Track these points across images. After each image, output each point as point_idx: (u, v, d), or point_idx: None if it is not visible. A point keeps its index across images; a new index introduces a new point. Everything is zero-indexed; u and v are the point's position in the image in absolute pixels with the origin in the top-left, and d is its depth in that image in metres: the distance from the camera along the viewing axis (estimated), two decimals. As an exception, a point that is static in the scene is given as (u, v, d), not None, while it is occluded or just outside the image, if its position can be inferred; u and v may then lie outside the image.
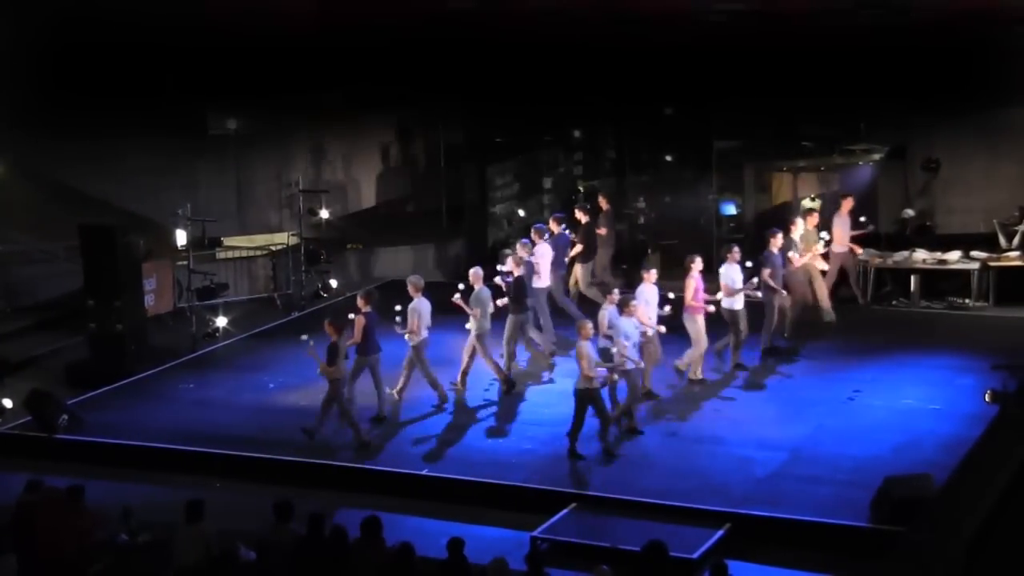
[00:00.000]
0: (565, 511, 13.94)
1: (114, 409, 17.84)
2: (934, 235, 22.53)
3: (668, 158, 25.40)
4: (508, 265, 18.30)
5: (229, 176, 24.65)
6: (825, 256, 19.80)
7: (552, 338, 18.93)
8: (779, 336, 18.69)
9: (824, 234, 19.98)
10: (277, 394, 17.98)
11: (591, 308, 19.44)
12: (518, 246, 18.78)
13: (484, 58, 22.49)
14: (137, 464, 15.97)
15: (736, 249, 17.88)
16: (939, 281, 21.27)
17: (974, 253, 21.20)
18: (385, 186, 27.63)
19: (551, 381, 18.13)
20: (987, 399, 15.09)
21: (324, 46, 21.72)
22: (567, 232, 20.12)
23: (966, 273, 21.04)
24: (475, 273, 17.68)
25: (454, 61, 22.81)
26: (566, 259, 20.10)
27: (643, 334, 16.14)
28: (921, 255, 21.38)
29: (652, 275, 16.97)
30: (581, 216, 20.65)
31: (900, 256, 21.43)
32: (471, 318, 17.41)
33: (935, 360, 18.29)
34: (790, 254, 18.67)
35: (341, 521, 12.05)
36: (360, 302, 16.77)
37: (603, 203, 21.49)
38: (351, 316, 16.56)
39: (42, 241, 22.09)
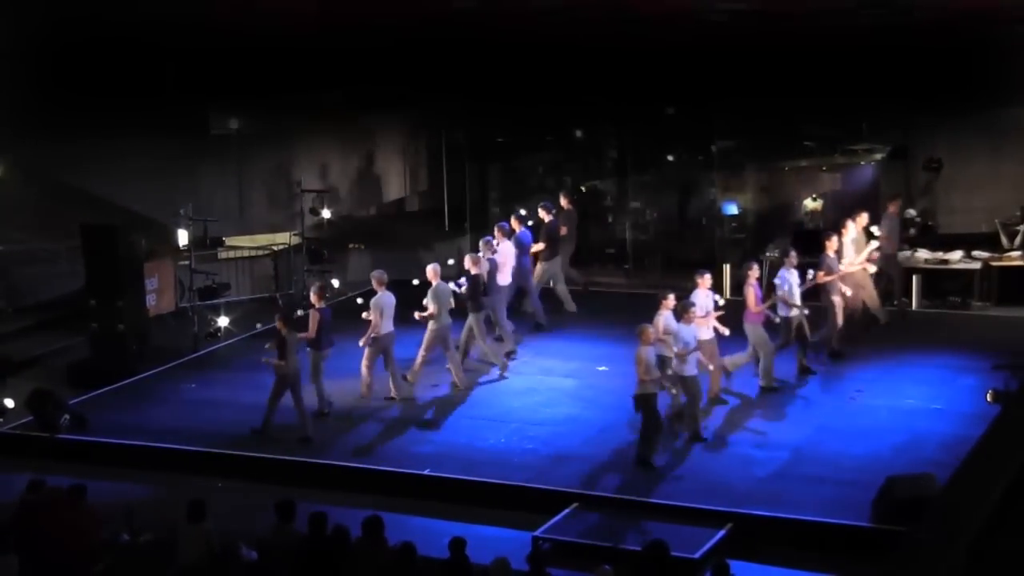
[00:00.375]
0: (567, 511, 13.93)
1: (116, 409, 17.83)
2: (936, 235, 22.52)
3: (670, 158, 25.39)
4: (466, 263, 18.40)
5: (231, 176, 24.66)
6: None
7: (509, 336, 19.18)
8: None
9: (875, 229, 19.71)
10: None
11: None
12: (481, 244, 18.98)
13: (486, 58, 22.51)
14: (139, 464, 15.96)
15: (793, 254, 17.63)
16: (941, 281, 21.26)
17: (976, 253, 21.21)
18: (387, 186, 27.64)
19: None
20: (989, 399, 15.12)
21: (325, 46, 21.75)
22: (528, 230, 20.32)
23: (968, 273, 21.04)
24: (432, 269, 17.82)
25: (456, 61, 22.82)
26: (528, 257, 20.25)
27: (700, 341, 15.84)
28: (923, 255, 21.37)
29: (706, 280, 16.77)
30: (544, 215, 20.76)
31: (902, 256, 21.41)
32: (429, 314, 17.57)
33: (937, 360, 18.30)
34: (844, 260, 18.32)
35: (343, 521, 12.04)
36: (314, 298, 17.05)
37: (564, 202, 21.54)
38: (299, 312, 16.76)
39: (44, 241, 22.07)
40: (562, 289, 21.00)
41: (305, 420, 16.32)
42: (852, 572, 12.64)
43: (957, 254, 21.23)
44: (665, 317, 15.80)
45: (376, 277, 17.59)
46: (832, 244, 18.13)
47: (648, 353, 14.93)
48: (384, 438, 16.32)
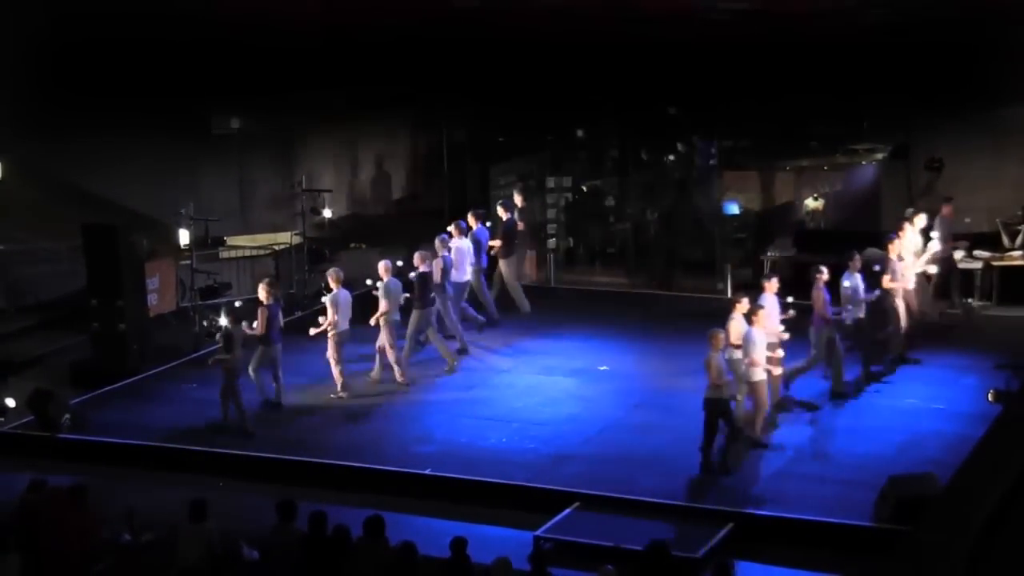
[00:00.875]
0: (568, 510, 13.92)
1: (117, 408, 17.83)
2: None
3: (671, 157, 25.37)
4: (415, 260, 18.56)
5: (232, 175, 24.66)
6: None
7: (460, 332, 19.39)
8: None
9: (935, 233, 19.50)
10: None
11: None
12: (437, 241, 19.20)
13: (487, 58, 22.51)
14: (140, 463, 15.96)
15: (858, 257, 17.35)
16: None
17: (977, 253, 21.14)
18: (388, 185, 27.64)
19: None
20: (990, 398, 15.08)
21: (328, 46, 21.75)
22: (486, 227, 20.55)
23: (969, 273, 20.99)
24: (384, 266, 18.05)
25: (457, 60, 22.82)
26: (484, 254, 20.41)
27: (769, 345, 15.51)
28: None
29: (773, 284, 16.45)
30: (501, 213, 20.93)
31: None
32: (382, 312, 17.77)
33: (938, 359, 18.26)
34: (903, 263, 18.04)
35: (344, 520, 12.04)
36: (263, 294, 17.19)
37: (519, 200, 21.63)
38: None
39: (45, 240, 22.07)
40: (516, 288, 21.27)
41: (224, 411, 16.55)
42: (853, 572, 12.62)
43: (958, 254, 21.18)
44: (739, 321, 15.50)
45: (332, 275, 17.78)
46: (895, 248, 17.84)
47: (719, 359, 14.70)
48: (385, 438, 16.32)
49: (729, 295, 21.55)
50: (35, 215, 22.18)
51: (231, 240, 22.63)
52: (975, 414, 15.38)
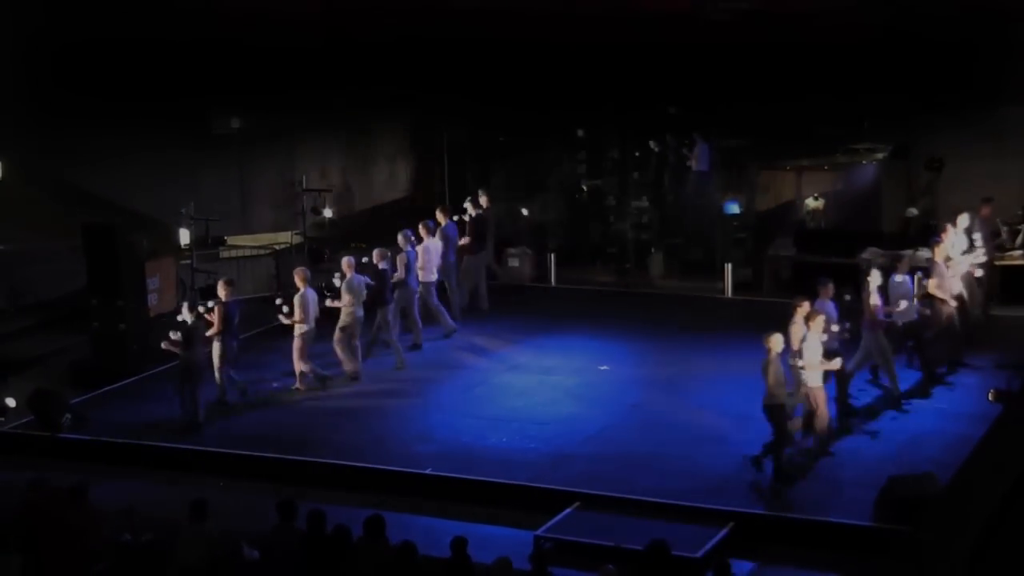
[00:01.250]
0: (568, 510, 13.92)
1: (117, 408, 17.83)
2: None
3: (671, 157, 25.35)
4: (374, 257, 18.71)
5: (232, 175, 24.68)
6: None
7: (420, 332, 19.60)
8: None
9: (978, 236, 19.20)
10: (280, 393, 17.98)
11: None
12: (400, 237, 19.33)
13: (487, 58, 22.51)
14: (140, 463, 15.96)
15: (906, 258, 17.17)
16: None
17: (978, 252, 21.12)
18: (388, 185, 27.63)
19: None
20: (991, 398, 15.07)
21: (328, 46, 21.77)
22: (454, 222, 20.70)
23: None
24: (347, 262, 18.23)
25: (458, 60, 22.83)
26: (453, 249, 20.57)
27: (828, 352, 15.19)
28: (924, 254, 21.29)
29: (829, 290, 16.08)
30: (470, 209, 21.17)
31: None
32: (342, 307, 18.01)
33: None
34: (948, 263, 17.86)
35: (345, 520, 12.03)
36: (221, 291, 17.33)
37: (483, 200, 21.79)
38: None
39: (46, 240, 22.08)
40: (482, 286, 21.41)
41: (197, 410, 16.65)
42: (853, 571, 12.64)
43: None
44: (800, 326, 15.18)
45: (299, 273, 17.88)
46: (941, 251, 17.69)
47: (777, 363, 14.45)
48: (386, 437, 16.32)
49: (729, 295, 21.65)
50: (35, 215, 22.18)
51: (231, 240, 22.66)
52: (975, 414, 15.39)
